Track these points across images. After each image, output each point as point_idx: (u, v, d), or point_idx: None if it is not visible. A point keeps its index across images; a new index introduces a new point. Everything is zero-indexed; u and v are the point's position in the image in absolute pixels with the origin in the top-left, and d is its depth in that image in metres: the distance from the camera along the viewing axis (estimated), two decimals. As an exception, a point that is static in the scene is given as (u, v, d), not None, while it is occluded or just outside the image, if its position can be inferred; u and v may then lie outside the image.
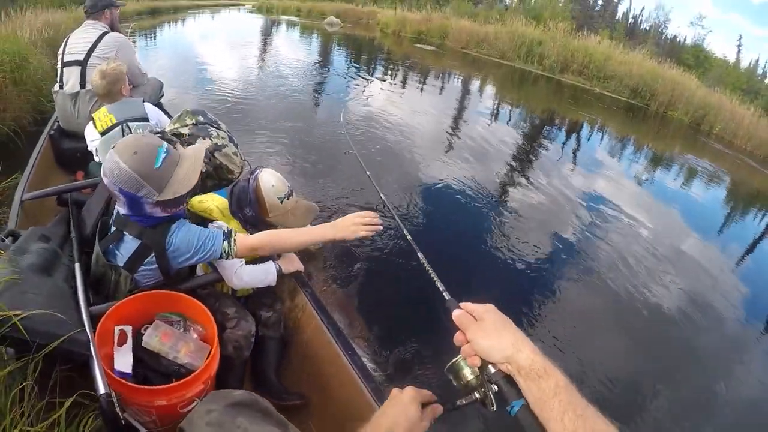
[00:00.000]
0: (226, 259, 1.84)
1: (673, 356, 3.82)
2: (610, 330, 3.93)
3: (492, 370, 0.84)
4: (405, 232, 1.39)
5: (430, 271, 1.15)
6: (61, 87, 3.42)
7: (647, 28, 37.02)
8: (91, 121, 2.78)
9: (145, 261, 1.84)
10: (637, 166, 9.32)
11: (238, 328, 2.05)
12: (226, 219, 2.14)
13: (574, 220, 5.72)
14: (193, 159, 1.81)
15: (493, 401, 0.84)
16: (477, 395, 0.88)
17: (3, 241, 1.95)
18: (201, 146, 1.97)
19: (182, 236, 1.80)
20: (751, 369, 3.94)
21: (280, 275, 2.22)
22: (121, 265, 1.84)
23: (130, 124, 2.76)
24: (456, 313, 0.92)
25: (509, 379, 0.82)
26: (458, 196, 5.58)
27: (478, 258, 4.47)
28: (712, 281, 5.22)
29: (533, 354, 0.80)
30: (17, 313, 1.31)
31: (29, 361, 1.45)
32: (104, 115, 2.74)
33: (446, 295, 1.04)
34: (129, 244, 1.84)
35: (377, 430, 0.95)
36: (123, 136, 2.69)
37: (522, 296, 4.03)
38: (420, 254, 1.28)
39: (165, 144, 1.74)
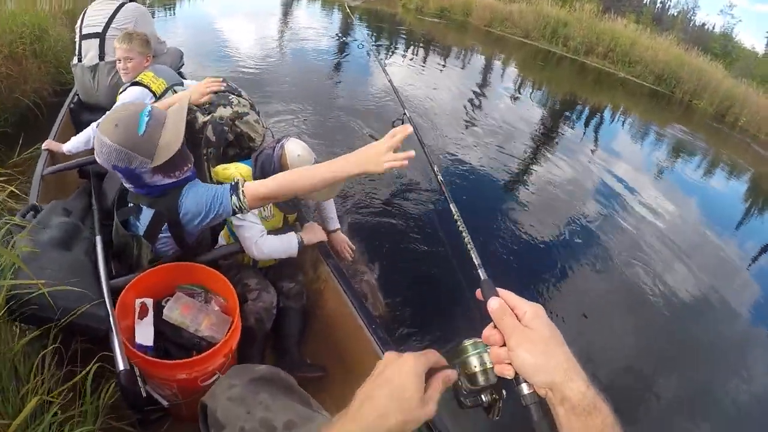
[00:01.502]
0: (240, 213, 1.69)
1: (682, 349, 3.77)
2: (619, 318, 3.87)
3: (525, 389, 0.70)
4: (448, 198, 1.24)
5: (468, 242, 1.00)
6: (79, 60, 3.36)
7: (675, 13, 35.99)
8: (132, 87, 2.67)
9: (162, 229, 1.78)
10: (658, 154, 9.14)
11: (259, 299, 2.03)
12: None
13: (591, 204, 5.62)
14: (175, 115, 1.70)
15: (499, 411, 0.76)
16: (484, 399, 0.77)
17: (24, 216, 1.93)
18: (184, 99, 1.86)
19: (191, 197, 1.71)
20: (758, 366, 3.88)
21: (302, 246, 2.18)
22: (141, 234, 1.80)
23: (176, 87, 2.73)
24: (494, 305, 0.74)
25: (542, 405, 0.70)
26: (472, 174, 5.49)
27: (489, 233, 4.41)
28: (726, 276, 5.13)
29: (585, 387, 0.66)
30: (40, 282, 1.29)
31: (49, 334, 1.44)
32: (155, 79, 2.68)
33: (482, 273, 0.87)
34: (146, 214, 1.78)
35: (360, 422, 0.71)
36: None
37: (528, 273, 4.00)
38: (460, 223, 1.11)
39: (147, 107, 1.64)
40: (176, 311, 1.71)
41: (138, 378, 1.62)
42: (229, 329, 1.73)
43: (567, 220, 5.06)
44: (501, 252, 4.13)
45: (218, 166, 2.16)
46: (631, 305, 4.08)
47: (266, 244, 2.06)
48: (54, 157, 2.82)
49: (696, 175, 8.67)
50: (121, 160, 1.59)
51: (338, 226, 2.64)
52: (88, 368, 1.42)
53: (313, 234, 2.26)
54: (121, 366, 1.47)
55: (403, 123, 2.75)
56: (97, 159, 1.64)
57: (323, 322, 2.32)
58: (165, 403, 1.68)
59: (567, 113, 9.91)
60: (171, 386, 1.64)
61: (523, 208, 4.99)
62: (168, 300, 1.76)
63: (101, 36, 3.28)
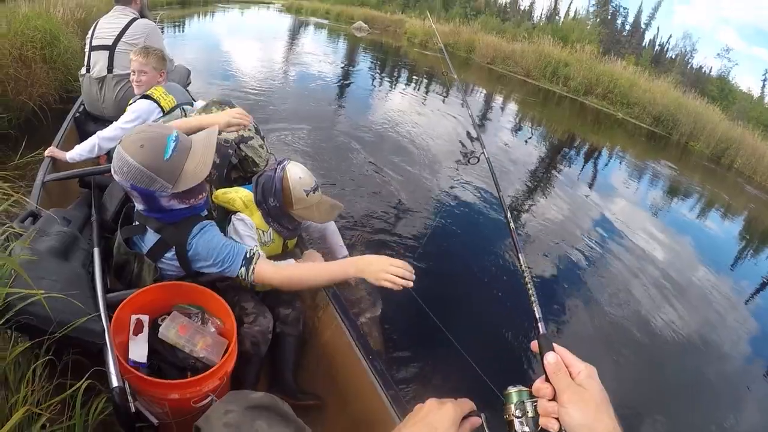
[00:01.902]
0: (242, 281, 1.77)
1: (675, 388, 3.74)
2: (619, 357, 3.83)
3: None
4: (517, 246, 1.20)
5: (532, 294, 0.97)
6: (88, 70, 3.41)
7: (673, 56, 36.81)
8: (143, 99, 2.72)
9: (165, 255, 1.80)
10: (655, 194, 9.22)
11: (255, 323, 2.00)
12: (249, 211, 2.11)
13: (584, 241, 5.63)
14: (204, 143, 1.71)
15: None
16: None
17: (23, 222, 1.92)
18: (214, 128, 1.84)
19: (204, 243, 1.73)
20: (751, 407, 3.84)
21: None
22: (144, 253, 1.80)
23: (184, 107, 2.75)
24: (551, 359, 0.76)
25: None
26: (463, 208, 5.52)
27: (464, 272, 4.34)
28: (719, 315, 5.11)
29: None
30: (39, 292, 1.27)
31: (41, 345, 1.42)
32: (165, 95, 2.73)
33: (541, 327, 0.86)
34: (150, 237, 1.79)
35: None
36: (182, 117, 2.69)
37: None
38: (527, 274, 1.04)
39: (174, 132, 1.65)
40: (173, 330, 1.69)
41: (128, 394, 1.61)
42: (226, 352, 1.71)
43: (554, 256, 5.06)
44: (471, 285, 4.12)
45: (218, 190, 2.16)
46: (631, 344, 4.05)
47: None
48: (56, 164, 2.82)
49: (692, 214, 8.76)
50: (142, 181, 1.58)
51: (346, 253, 2.62)
52: (79, 384, 1.40)
53: (313, 261, 2.24)
54: (114, 383, 1.44)
55: (479, 161, 2.80)
56: (115, 176, 1.63)
57: (319, 350, 2.29)
58: (155, 421, 1.65)
59: (564, 152, 10.02)
60: (162, 405, 1.60)
61: (504, 244, 4.97)
62: (164, 318, 1.74)
63: (111, 49, 3.33)
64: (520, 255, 1.16)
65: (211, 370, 1.60)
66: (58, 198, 2.64)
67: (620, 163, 10.87)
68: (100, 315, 1.58)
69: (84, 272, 1.75)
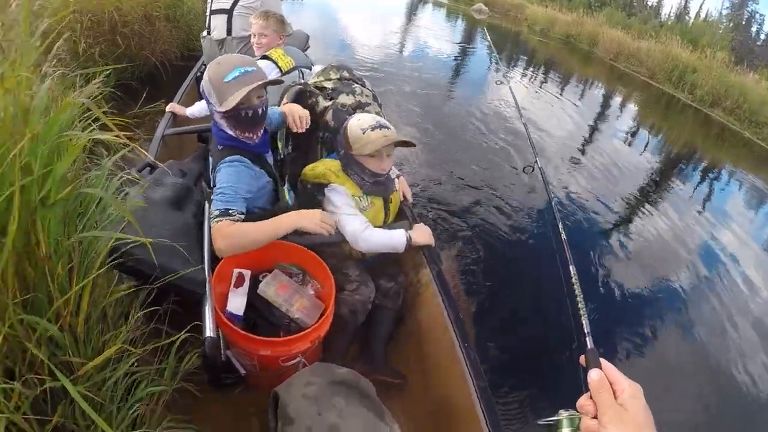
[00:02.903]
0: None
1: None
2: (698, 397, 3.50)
3: None
4: (569, 259, 1.19)
5: (581, 307, 0.99)
6: (208, 33, 3.56)
7: (816, 76, 33.20)
8: (261, 60, 2.75)
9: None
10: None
11: (357, 292, 1.98)
12: (340, 180, 2.06)
13: (675, 266, 5.11)
14: (255, 84, 1.75)
15: None
16: None
17: (140, 171, 2.01)
18: (271, 80, 1.86)
19: (221, 174, 1.79)
20: None
21: (409, 245, 2.08)
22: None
23: (303, 70, 2.80)
24: (595, 377, 0.75)
25: None
26: (574, 209, 5.23)
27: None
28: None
29: None
30: (147, 241, 1.32)
31: (142, 291, 1.48)
32: (284, 56, 2.78)
33: (589, 342, 0.89)
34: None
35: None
36: (300, 79, 2.74)
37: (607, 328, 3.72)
38: (577, 287, 1.08)
39: (251, 67, 1.76)
40: (272, 288, 1.71)
41: (220, 345, 1.65)
42: (321, 316, 1.71)
43: (663, 282, 4.67)
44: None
45: (306, 167, 2.14)
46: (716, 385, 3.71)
47: (373, 236, 2.00)
48: (176, 120, 2.95)
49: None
50: (206, 90, 1.77)
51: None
52: (179, 335, 1.44)
53: (422, 235, 2.17)
54: (208, 332, 1.48)
55: (533, 171, 2.69)
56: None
57: (413, 328, 2.23)
58: (243, 371, 1.69)
59: (681, 166, 9.28)
60: (252, 359, 1.63)
61: (602, 256, 4.63)
62: (265, 275, 1.77)
63: (229, 12, 3.44)
64: (571, 267, 1.14)
65: (304, 332, 1.60)
66: (175, 151, 2.75)
67: (740, 188, 9.92)
68: (204, 266, 1.62)
69: (194, 223, 1.79)
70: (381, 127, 2.02)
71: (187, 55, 5.27)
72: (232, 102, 1.70)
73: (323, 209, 2.07)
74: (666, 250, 5.35)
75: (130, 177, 1.68)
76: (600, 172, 6.75)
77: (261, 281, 1.75)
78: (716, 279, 5.15)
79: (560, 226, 1.74)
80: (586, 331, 0.91)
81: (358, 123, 2.04)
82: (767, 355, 4.13)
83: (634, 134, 10.07)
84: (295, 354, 1.63)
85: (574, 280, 1.14)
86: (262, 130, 1.89)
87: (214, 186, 1.79)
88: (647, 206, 6.37)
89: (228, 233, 1.66)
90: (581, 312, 0.97)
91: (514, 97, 3.36)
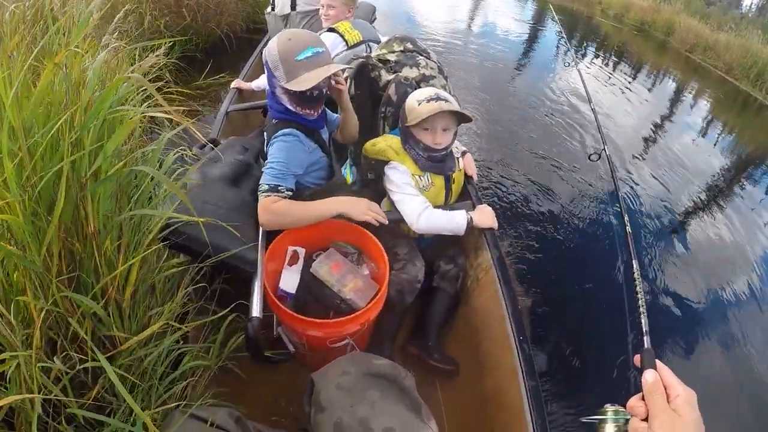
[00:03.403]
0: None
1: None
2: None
3: None
4: (632, 254, 1.10)
5: (642, 305, 0.92)
6: (272, 8, 3.53)
7: None
8: (328, 32, 2.73)
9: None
10: None
11: (403, 271, 1.90)
12: (400, 157, 1.99)
13: (746, 277, 4.77)
14: (327, 68, 1.73)
15: None
16: None
17: (202, 148, 2.00)
18: (337, 65, 1.81)
19: (274, 148, 1.77)
20: None
21: (471, 226, 2.01)
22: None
23: (371, 44, 2.74)
24: (649, 378, 0.71)
25: None
26: (638, 203, 4.91)
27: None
28: None
29: None
30: (199, 221, 1.31)
31: (193, 268, 1.47)
32: (351, 29, 2.72)
33: (646, 341, 0.84)
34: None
35: None
36: (367, 53, 2.68)
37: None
38: (638, 283, 1.02)
39: (321, 48, 1.73)
40: (325, 267, 1.67)
41: (274, 319, 1.64)
42: (374, 298, 1.66)
43: (721, 292, 4.33)
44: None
45: (367, 143, 2.07)
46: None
47: (432, 217, 1.93)
48: (241, 96, 2.96)
49: None
50: (271, 61, 1.72)
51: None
52: (222, 312, 1.43)
53: (485, 217, 2.08)
54: (255, 312, 1.46)
55: (599, 158, 2.52)
56: (265, 51, 1.78)
57: (470, 314, 2.15)
58: (292, 349, 1.68)
59: (751, 169, 8.56)
60: (301, 337, 1.62)
61: (684, 263, 4.35)
62: (320, 254, 1.74)
63: None
64: (634, 262, 1.04)
65: (354, 314, 1.56)
66: (239, 127, 2.74)
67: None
68: (257, 244, 1.61)
69: (252, 200, 1.77)
70: (439, 99, 1.91)
71: (252, 28, 5.31)
72: (304, 85, 1.67)
73: (384, 187, 2.03)
74: (727, 258, 4.96)
75: (188, 153, 1.69)
76: (667, 167, 6.33)
77: (315, 260, 1.72)
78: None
79: (625, 218, 1.63)
80: (644, 329, 0.87)
81: (416, 95, 1.96)
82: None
83: (705, 132, 9.38)
84: (344, 336, 1.60)
85: (636, 275, 1.06)
86: (322, 107, 1.87)
87: (267, 160, 1.78)
88: (714, 209, 5.93)
89: (273, 209, 1.66)
90: (641, 309, 0.91)
91: (582, 81, 3.17)
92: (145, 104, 1.72)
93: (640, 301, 0.92)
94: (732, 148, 9.14)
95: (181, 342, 1.35)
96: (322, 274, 1.66)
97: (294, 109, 1.78)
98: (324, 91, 1.79)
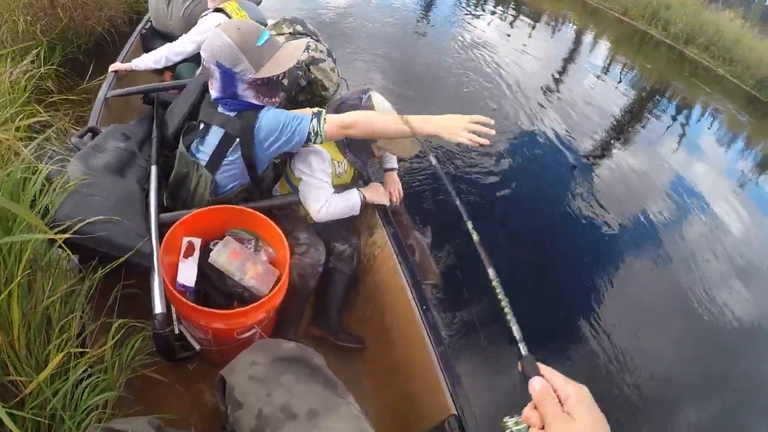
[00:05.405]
0: (314, 141, 1.68)
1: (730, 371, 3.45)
2: (659, 327, 3.52)
3: None
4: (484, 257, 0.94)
5: (507, 310, 0.82)
6: None
7: (789, 13, 33.12)
8: (215, 13, 2.64)
9: (228, 152, 1.72)
10: (744, 164, 8.34)
11: (306, 255, 1.91)
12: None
13: (657, 204, 5.13)
14: (292, 48, 1.73)
15: None
16: None
17: (81, 138, 1.89)
18: (302, 42, 1.81)
19: (271, 116, 1.68)
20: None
21: (364, 205, 2.06)
22: (205, 163, 1.74)
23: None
24: (536, 386, 0.69)
25: None
26: (539, 152, 5.16)
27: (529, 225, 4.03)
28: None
29: None
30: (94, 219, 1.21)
31: (89, 269, 1.39)
32: (238, 10, 2.62)
33: (522, 348, 0.77)
34: (213, 137, 1.72)
35: None
36: None
37: (567, 262, 3.70)
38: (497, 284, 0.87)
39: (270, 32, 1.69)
40: (223, 256, 1.61)
41: (173, 319, 1.58)
42: (277, 284, 1.63)
43: (621, 215, 4.61)
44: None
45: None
46: (684, 317, 3.75)
47: (332, 207, 1.96)
48: (120, 81, 2.77)
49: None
50: (228, 59, 1.60)
51: (395, 166, 2.41)
52: (118, 322, 1.35)
53: (376, 193, 2.13)
54: (158, 309, 1.41)
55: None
56: (203, 53, 1.65)
57: (369, 291, 2.19)
58: (197, 346, 1.62)
59: (653, 102, 9.23)
60: (206, 332, 1.56)
61: (573, 194, 4.59)
62: (216, 243, 1.67)
63: None
64: (489, 270, 0.90)
65: (258, 302, 1.52)
66: (119, 115, 2.60)
67: (710, 125, 9.93)
68: (150, 237, 1.54)
69: (138, 190, 1.70)
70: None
71: (135, 19, 4.90)
72: (280, 68, 1.64)
73: (293, 165, 2.01)
74: (634, 186, 5.40)
75: (70, 145, 1.56)
76: (571, 108, 6.71)
77: (212, 249, 1.65)
78: (690, 213, 5.24)
79: (470, 225, 1.38)
80: (517, 337, 0.79)
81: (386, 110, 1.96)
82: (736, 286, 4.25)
83: (606, 71, 9.99)
84: (251, 325, 1.57)
85: (494, 284, 0.89)
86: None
87: (256, 167, 1.78)
88: (619, 144, 6.38)
89: (348, 122, 1.66)
90: (507, 317, 0.82)
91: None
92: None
93: (505, 309, 0.84)
94: (633, 83, 9.81)
95: (92, 366, 1.25)
96: (221, 263, 1.60)
97: (260, 102, 1.71)
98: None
